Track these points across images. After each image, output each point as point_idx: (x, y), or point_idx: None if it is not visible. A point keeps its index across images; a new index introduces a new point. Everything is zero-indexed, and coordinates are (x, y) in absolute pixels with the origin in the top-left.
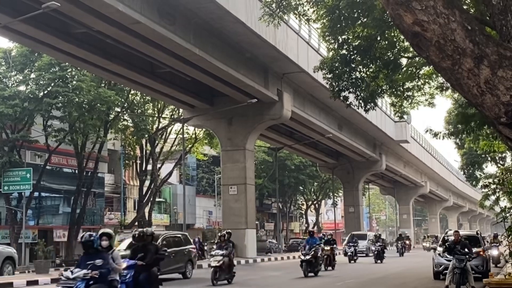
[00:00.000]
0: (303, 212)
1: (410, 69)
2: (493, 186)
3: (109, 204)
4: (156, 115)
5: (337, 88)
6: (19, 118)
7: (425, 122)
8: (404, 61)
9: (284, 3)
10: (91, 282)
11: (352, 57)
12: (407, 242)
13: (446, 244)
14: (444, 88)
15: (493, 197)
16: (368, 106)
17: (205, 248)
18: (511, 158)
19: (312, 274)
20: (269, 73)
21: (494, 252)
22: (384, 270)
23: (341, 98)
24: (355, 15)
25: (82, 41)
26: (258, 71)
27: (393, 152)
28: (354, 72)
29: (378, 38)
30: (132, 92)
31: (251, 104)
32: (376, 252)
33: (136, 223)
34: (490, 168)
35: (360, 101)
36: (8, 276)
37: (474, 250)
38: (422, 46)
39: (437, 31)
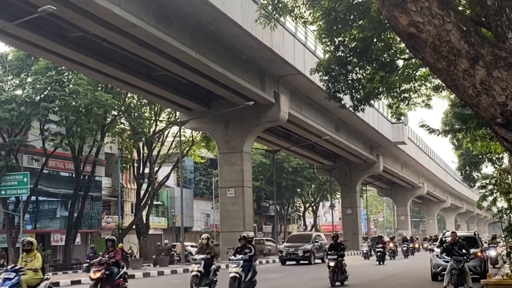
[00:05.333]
0: (301, 214)
1: (406, 70)
2: (490, 187)
3: (106, 208)
4: (153, 118)
5: (333, 90)
6: (15, 123)
7: (422, 124)
8: (400, 62)
9: (280, 5)
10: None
11: (348, 59)
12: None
13: (444, 245)
14: (440, 89)
15: (490, 198)
16: (360, 107)
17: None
18: (508, 159)
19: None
20: (266, 76)
21: (492, 252)
22: (382, 271)
23: (336, 99)
24: (351, 17)
25: (78, 44)
26: (255, 73)
27: (391, 153)
28: (350, 74)
29: (374, 40)
30: (129, 95)
31: (248, 107)
32: None
33: (134, 227)
34: (487, 169)
35: (355, 102)
36: None
37: (472, 251)
38: (418, 47)
39: (432, 32)
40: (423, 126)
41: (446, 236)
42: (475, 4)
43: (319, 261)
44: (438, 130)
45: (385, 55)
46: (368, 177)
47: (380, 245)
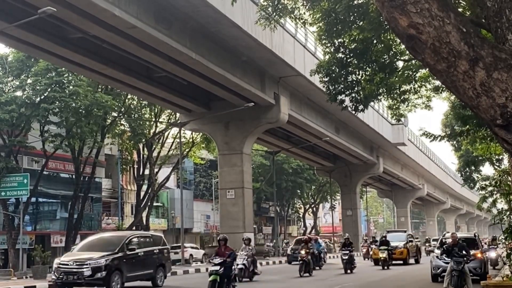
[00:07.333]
0: (301, 215)
1: (406, 72)
2: (490, 188)
3: (106, 209)
4: (153, 120)
5: (333, 92)
6: (16, 124)
7: (422, 125)
8: (400, 64)
9: (280, 7)
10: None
11: (348, 60)
12: None
13: (444, 246)
14: (440, 90)
15: (490, 199)
16: (360, 108)
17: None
18: (508, 160)
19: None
20: (266, 77)
21: (492, 254)
22: (382, 273)
23: (338, 101)
24: (351, 19)
25: (78, 46)
26: (255, 74)
27: (391, 155)
28: (350, 75)
29: (374, 41)
30: (129, 96)
31: (248, 108)
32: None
33: (134, 228)
34: (487, 170)
35: (354, 103)
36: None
37: (472, 252)
38: (418, 48)
39: (432, 34)
40: (424, 134)
41: (446, 238)
42: (475, 6)
43: (144, 284)
44: (439, 135)
45: (385, 57)
46: (368, 178)
47: (246, 256)
